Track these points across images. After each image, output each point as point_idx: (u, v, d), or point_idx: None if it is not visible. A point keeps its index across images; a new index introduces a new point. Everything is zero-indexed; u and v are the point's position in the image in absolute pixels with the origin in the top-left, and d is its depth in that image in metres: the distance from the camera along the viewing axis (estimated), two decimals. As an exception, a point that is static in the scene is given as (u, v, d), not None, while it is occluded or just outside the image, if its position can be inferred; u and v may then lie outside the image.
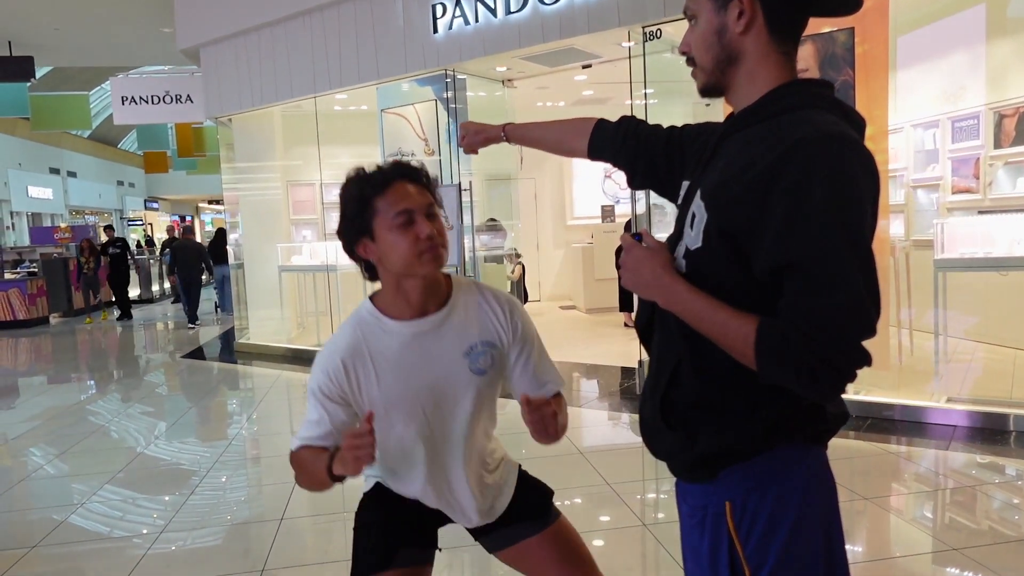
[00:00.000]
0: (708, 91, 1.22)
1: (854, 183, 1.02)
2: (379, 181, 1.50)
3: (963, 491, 3.63)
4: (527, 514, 1.76)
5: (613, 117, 1.60)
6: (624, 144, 1.50)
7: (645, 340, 1.34)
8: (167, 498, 4.01)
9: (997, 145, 5.69)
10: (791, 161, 1.02)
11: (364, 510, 1.74)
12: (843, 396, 1.19)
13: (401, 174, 1.52)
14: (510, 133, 1.76)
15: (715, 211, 1.11)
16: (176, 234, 19.09)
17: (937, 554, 2.98)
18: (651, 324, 1.29)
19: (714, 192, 1.13)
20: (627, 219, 7.75)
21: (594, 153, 1.57)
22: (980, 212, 5.73)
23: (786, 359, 1.02)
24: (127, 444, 5.13)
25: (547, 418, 1.46)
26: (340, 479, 1.48)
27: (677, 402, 1.20)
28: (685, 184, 1.30)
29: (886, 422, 4.56)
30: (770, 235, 1.03)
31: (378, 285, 1.64)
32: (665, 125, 1.53)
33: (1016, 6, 5.58)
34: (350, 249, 1.57)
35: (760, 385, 1.09)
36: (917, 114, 6.43)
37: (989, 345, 5.85)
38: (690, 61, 1.23)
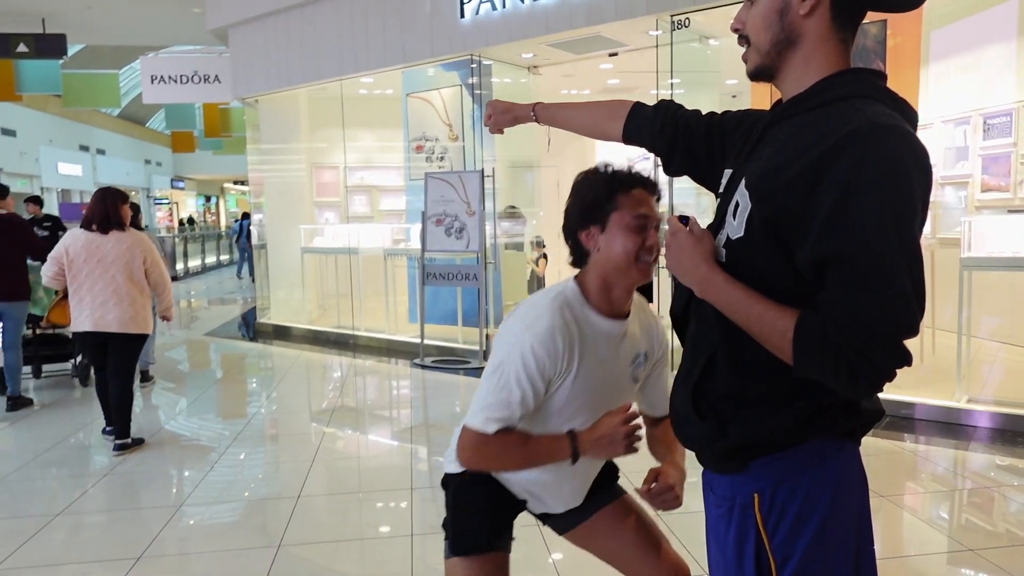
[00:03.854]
0: (759, 73, 1.18)
1: (907, 177, 0.99)
2: (628, 181, 1.55)
3: (981, 492, 3.60)
4: (598, 485, 1.77)
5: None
6: (662, 130, 1.45)
7: (679, 328, 1.32)
8: (187, 473, 4.09)
9: (1030, 143, 5.57)
10: (843, 152, 0.99)
11: (468, 491, 1.72)
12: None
13: (646, 184, 1.57)
14: (540, 113, 1.70)
15: (760, 200, 1.08)
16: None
17: (952, 554, 2.96)
18: (686, 313, 1.27)
19: (760, 181, 1.09)
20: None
21: (630, 137, 1.53)
22: (1010, 211, 5.62)
23: (825, 354, 1.00)
24: (148, 418, 5.23)
25: (669, 501, 1.52)
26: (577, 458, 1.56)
27: (709, 392, 1.18)
28: (727, 172, 1.27)
29: (905, 420, 4.52)
30: (817, 226, 1.00)
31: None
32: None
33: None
34: (573, 232, 1.60)
35: (795, 378, 1.07)
36: (948, 110, 6.31)
37: (1014, 347, 5.76)
38: (742, 40, 1.19)
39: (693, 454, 1.29)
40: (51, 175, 19.29)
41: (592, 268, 1.58)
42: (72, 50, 13.54)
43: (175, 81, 10.54)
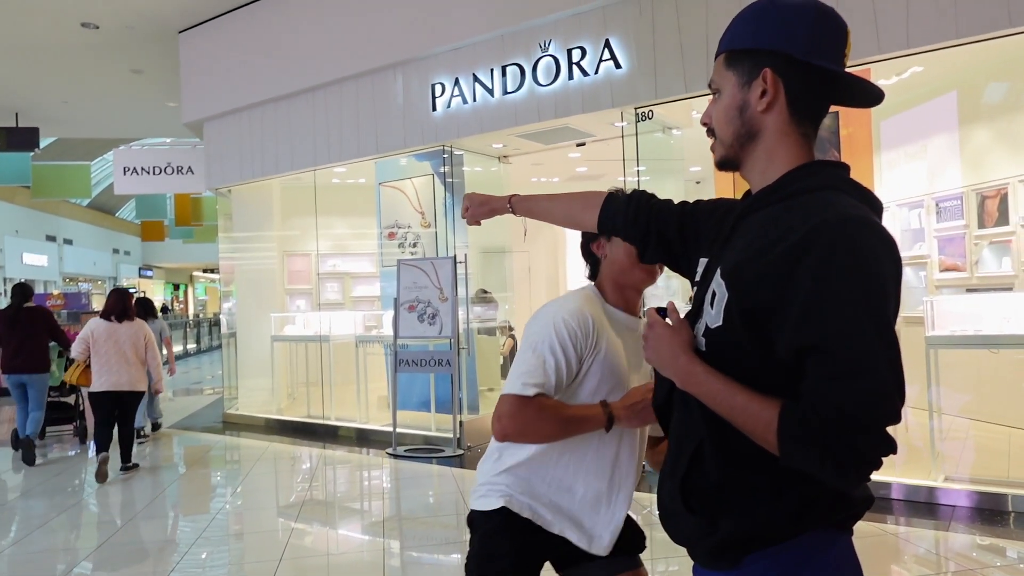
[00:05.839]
0: (725, 164, 1.23)
1: (878, 266, 1.01)
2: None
3: (966, 574, 3.54)
4: (626, 547, 1.75)
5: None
6: (636, 218, 1.47)
7: (663, 419, 1.30)
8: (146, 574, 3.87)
9: (981, 225, 5.82)
10: (814, 243, 1.01)
11: (494, 540, 1.69)
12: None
13: None
14: (516, 205, 1.73)
15: (736, 291, 1.10)
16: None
17: (941, 641, 2.89)
18: (669, 403, 1.25)
19: (735, 271, 1.11)
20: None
21: (604, 226, 1.54)
22: (968, 290, 5.80)
23: (809, 444, 0.99)
24: (106, 518, 4.98)
25: None
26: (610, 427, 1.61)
27: (699, 484, 1.15)
28: (703, 261, 1.28)
29: (883, 501, 4.48)
30: (793, 316, 1.01)
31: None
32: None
33: (991, 92, 5.81)
34: (587, 244, 1.79)
35: (785, 468, 1.05)
36: (902, 194, 6.60)
37: (983, 423, 5.82)
38: (710, 132, 1.23)
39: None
40: (15, 265, 19.03)
41: (604, 274, 1.76)
42: (44, 142, 13.63)
43: (148, 172, 10.60)
